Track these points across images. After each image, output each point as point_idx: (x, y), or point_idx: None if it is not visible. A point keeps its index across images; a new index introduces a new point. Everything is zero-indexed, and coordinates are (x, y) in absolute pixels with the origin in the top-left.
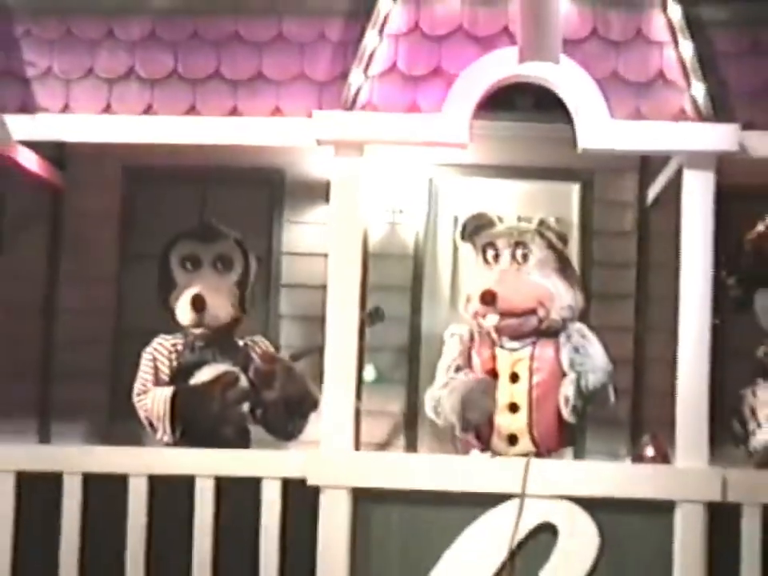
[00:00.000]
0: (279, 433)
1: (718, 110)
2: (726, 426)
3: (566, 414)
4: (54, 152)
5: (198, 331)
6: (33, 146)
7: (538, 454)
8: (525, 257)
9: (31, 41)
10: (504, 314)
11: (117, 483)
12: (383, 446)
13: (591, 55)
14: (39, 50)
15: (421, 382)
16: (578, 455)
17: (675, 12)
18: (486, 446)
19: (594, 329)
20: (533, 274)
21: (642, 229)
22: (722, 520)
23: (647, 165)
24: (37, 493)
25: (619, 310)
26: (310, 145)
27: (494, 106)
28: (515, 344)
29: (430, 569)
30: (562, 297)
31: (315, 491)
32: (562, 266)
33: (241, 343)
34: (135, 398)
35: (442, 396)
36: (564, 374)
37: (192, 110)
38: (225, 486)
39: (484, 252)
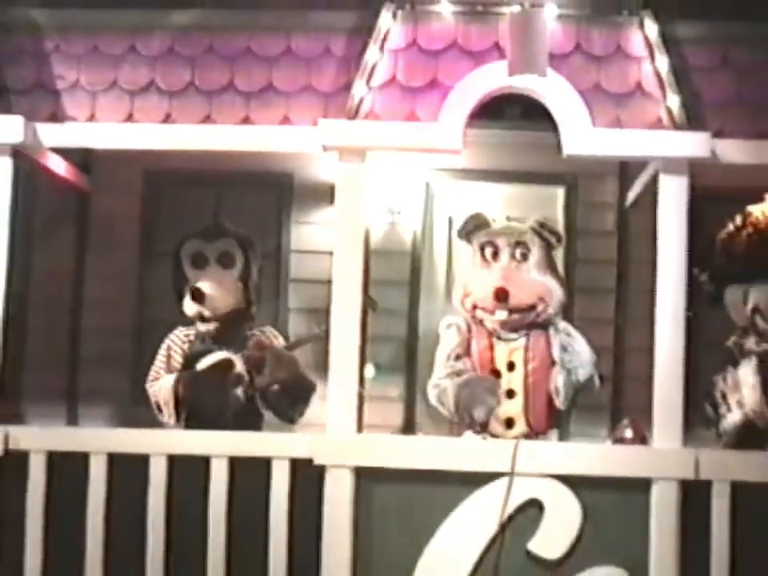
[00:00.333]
0: (281, 416)
1: (691, 119)
2: (698, 410)
3: (559, 403)
4: (80, 158)
5: (205, 325)
6: (61, 152)
7: (527, 436)
8: (524, 255)
9: (60, 56)
10: (511, 310)
11: (138, 462)
12: (384, 428)
13: (575, 69)
14: (67, 64)
15: (418, 370)
16: (563, 437)
17: (652, 29)
18: (485, 430)
19: (578, 321)
20: (532, 272)
21: (621, 229)
22: (694, 496)
23: (626, 170)
24: (65, 471)
25: (601, 303)
26: (317, 151)
27: (486, 115)
28: (512, 335)
29: (427, 541)
30: (556, 293)
31: (321, 470)
32: (551, 263)
33: (250, 333)
34: (147, 385)
35: (447, 387)
36: (553, 363)
37: (208, 119)
38: (237, 466)
39: (482, 250)
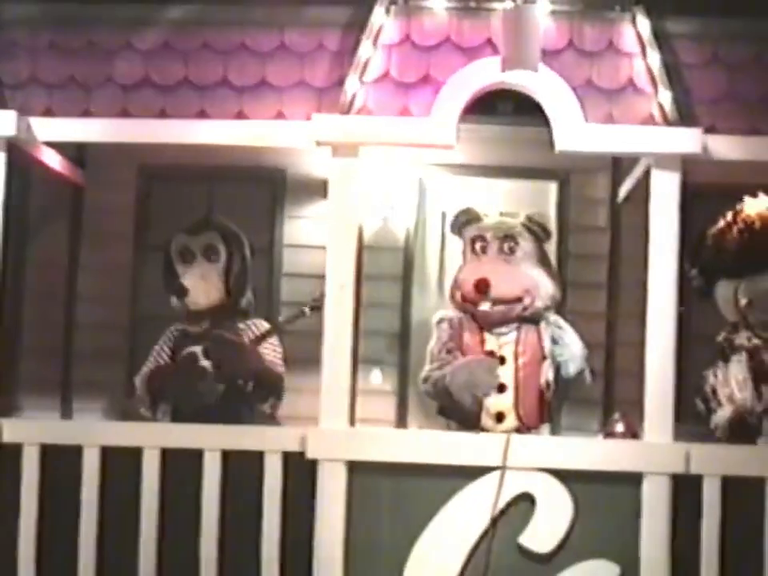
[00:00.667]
0: (253, 409)
1: (683, 115)
2: (689, 405)
3: (549, 396)
4: (75, 152)
5: (192, 319)
6: (56, 146)
7: (518, 430)
8: (512, 249)
9: (55, 50)
10: (495, 302)
11: (132, 455)
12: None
13: (567, 64)
14: (62, 58)
15: (411, 364)
16: (555, 431)
17: (644, 26)
18: (475, 423)
19: (569, 315)
20: (520, 265)
21: (613, 224)
22: (685, 490)
23: (618, 165)
24: (59, 464)
25: (593, 298)
26: (310, 146)
27: (479, 110)
28: (502, 329)
29: (419, 534)
30: (545, 286)
31: (313, 464)
32: (543, 258)
33: (241, 326)
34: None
35: (439, 377)
36: (544, 358)
37: (201, 114)
38: (230, 459)
39: (473, 244)
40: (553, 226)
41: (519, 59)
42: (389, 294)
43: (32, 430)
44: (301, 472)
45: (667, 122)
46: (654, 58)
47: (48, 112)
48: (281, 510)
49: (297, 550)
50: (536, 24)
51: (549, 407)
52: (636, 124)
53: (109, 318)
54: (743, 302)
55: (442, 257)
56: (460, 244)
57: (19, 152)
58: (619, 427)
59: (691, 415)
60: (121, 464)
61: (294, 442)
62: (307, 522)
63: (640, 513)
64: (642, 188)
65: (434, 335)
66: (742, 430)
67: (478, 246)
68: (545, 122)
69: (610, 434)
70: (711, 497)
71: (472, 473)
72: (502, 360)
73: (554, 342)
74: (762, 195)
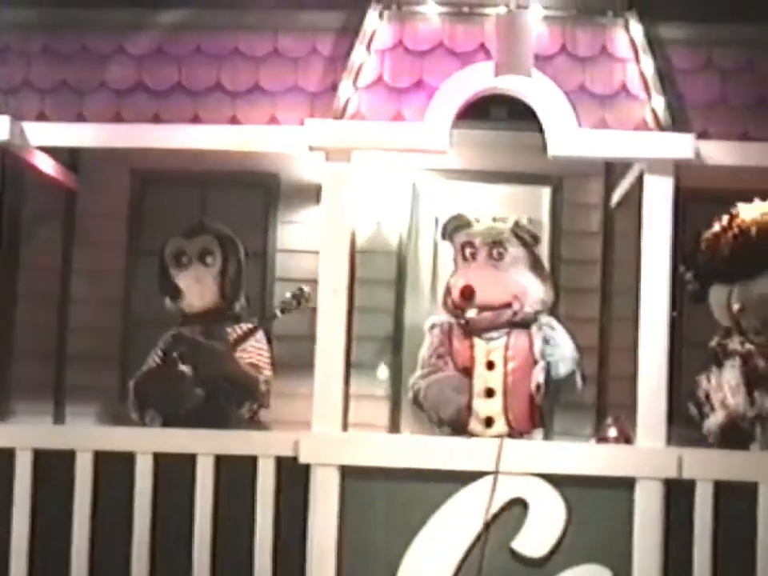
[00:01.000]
0: (233, 413)
1: (676, 120)
2: (682, 410)
3: (539, 399)
4: (68, 156)
5: (186, 323)
6: (49, 150)
7: (511, 435)
8: (501, 255)
9: (48, 55)
10: (482, 308)
11: (124, 460)
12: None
13: (560, 70)
14: (56, 63)
15: (404, 369)
16: (547, 436)
17: (637, 31)
18: (464, 429)
19: (562, 320)
20: (508, 271)
21: (606, 229)
22: (677, 495)
23: (611, 170)
24: (52, 468)
25: (586, 302)
26: (303, 151)
27: (472, 115)
28: (491, 334)
29: (412, 539)
30: (535, 292)
31: (306, 468)
32: (534, 263)
33: (228, 330)
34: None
35: (421, 387)
36: (536, 362)
37: (195, 119)
38: (223, 464)
39: (462, 250)
40: (546, 230)
41: (512, 64)
42: (382, 298)
43: (25, 434)
44: (294, 477)
45: (660, 127)
46: (647, 63)
47: (41, 117)
48: (273, 515)
49: (289, 555)
50: (529, 29)
51: (540, 412)
52: (629, 129)
53: (102, 322)
54: (736, 306)
55: (435, 262)
56: (452, 249)
57: (12, 157)
58: (612, 432)
59: (684, 420)
60: (114, 469)
61: (286, 446)
62: (300, 527)
63: (632, 518)
64: (635, 193)
65: (426, 341)
66: (734, 435)
67: (467, 252)
68: (538, 127)
69: (602, 439)
70: (704, 502)
71: (465, 478)
72: (491, 365)
73: (545, 342)
74: (757, 201)
